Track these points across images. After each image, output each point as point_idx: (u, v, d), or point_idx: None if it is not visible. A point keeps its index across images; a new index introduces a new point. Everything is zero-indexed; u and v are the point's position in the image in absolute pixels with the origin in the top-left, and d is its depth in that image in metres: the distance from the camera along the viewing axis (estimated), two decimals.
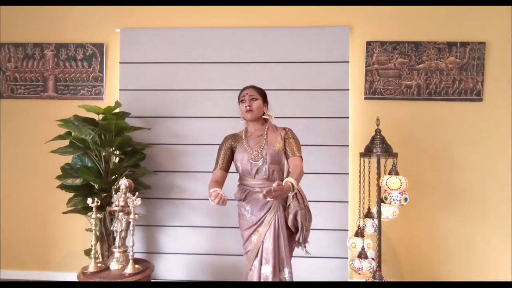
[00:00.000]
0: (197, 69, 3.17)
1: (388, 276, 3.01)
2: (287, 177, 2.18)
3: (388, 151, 2.61)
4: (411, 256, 3.12)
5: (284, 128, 2.26)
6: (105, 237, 2.85)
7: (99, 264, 2.41)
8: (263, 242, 2.13)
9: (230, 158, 2.26)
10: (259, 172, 2.17)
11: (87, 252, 2.83)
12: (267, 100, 2.28)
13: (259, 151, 2.17)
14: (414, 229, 3.11)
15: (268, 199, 1.83)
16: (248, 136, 2.25)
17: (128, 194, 2.44)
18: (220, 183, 2.18)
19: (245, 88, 2.27)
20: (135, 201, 2.34)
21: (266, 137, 2.20)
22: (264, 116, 2.25)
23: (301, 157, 2.18)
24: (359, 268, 2.59)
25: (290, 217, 2.15)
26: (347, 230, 3.06)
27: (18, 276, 3.29)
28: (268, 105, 2.29)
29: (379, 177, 2.63)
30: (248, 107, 2.18)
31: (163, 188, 3.16)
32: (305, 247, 2.20)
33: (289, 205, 2.17)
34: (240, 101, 2.24)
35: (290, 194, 2.09)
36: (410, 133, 3.11)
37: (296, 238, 2.18)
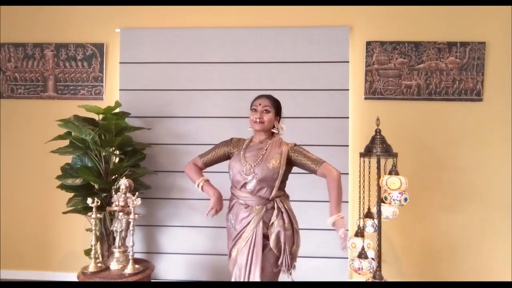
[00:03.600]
0: (197, 69, 3.17)
1: (388, 276, 3.01)
2: (277, 195, 2.07)
3: (388, 151, 2.61)
4: (411, 256, 3.12)
5: (288, 144, 2.11)
6: (105, 237, 2.85)
7: (99, 264, 2.41)
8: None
9: (219, 160, 2.20)
10: (246, 185, 2.06)
11: (87, 252, 2.83)
12: (280, 113, 2.16)
13: (252, 165, 2.04)
14: (414, 229, 3.11)
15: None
16: (249, 145, 2.14)
17: (128, 194, 2.44)
18: (199, 172, 2.20)
19: (260, 96, 2.13)
20: (135, 201, 2.34)
21: (264, 152, 2.06)
22: (273, 130, 2.13)
23: (325, 162, 2.09)
24: (359, 268, 2.59)
25: (272, 237, 2.00)
26: (347, 230, 3.06)
27: (18, 276, 3.28)
28: (280, 118, 2.16)
29: (379, 177, 2.63)
30: (258, 119, 2.06)
31: (163, 188, 3.16)
32: (290, 274, 2.03)
33: (272, 223, 2.02)
34: (252, 109, 2.10)
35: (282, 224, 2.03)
36: (410, 133, 3.11)
37: (279, 262, 2.01)
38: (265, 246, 2.02)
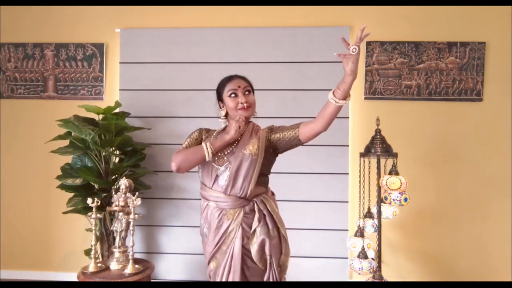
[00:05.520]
0: (197, 69, 3.17)
1: (388, 276, 3.01)
2: (256, 193, 1.76)
3: (388, 151, 2.60)
4: (411, 256, 3.12)
5: (265, 128, 1.83)
6: (105, 237, 2.85)
7: (99, 264, 2.41)
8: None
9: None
10: (218, 180, 1.74)
11: (87, 252, 2.83)
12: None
13: (226, 153, 1.75)
14: (414, 229, 3.11)
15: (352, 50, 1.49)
16: (221, 133, 1.85)
17: (128, 194, 2.44)
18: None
19: (232, 78, 1.81)
20: (135, 201, 2.34)
21: (240, 138, 1.76)
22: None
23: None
24: (359, 268, 2.59)
25: (255, 247, 1.67)
26: (347, 230, 3.06)
27: (18, 276, 3.28)
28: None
29: (379, 177, 2.63)
30: (246, 104, 1.75)
31: (163, 188, 3.16)
32: None
33: (254, 230, 1.69)
34: (230, 95, 1.78)
35: (339, 102, 1.56)
36: (410, 133, 3.11)
37: (265, 279, 1.69)
38: (247, 267, 1.70)
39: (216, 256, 1.76)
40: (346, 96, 1.57)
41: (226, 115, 1.86)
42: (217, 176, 1.75)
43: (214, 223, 1.74)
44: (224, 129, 1.90)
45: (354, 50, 1.51)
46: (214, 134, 1.88)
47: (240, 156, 1.72)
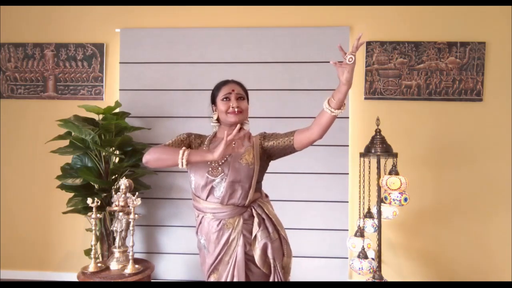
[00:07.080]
0: (197, 69, 3.17)
1: (388, 276, 3.01)
2: (253, 199, 1.73)
3: (388, 151, 2.60)
4: (411, 256, 3.12)
5: (257, 135, 1.80)
6: (105, 237, 2.85)
7: (99, 264, 2.42)
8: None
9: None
10: (214, 191, 1.70)
11: (87, 252, 2.83)
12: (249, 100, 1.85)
13: (220, 163, 1.70)
14: (414, 229, 3.11)
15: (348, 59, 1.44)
16: (213, 141, 1.78)
17: (128, 194, 2.44)
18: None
19: (227, 82, 1.79)
20: (135, 201, 2.34)
21: (234, 147, 1.64)
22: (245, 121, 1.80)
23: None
24: (359, 268, 2.59)
25: (257, 252, 1.66)
26: (347, 230, 3.06)
27: (18, 276, 3.28)
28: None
29: (379, 177, 2.63)
30: (237, 109, 1.71)
31: (163, 188, 3.16)
32: None
33: (255, 236, 1.68)
34: (222, 99, 1.74)
35: (333, 112, 1.56)
36: (410, 133, 3.11)
37: (270, 280, 1.69)
38: (251, 273, 1.68)
39: (217, 268, 1.73)
40: (341, 106, 1.57)
41: (218, 119, 1.82)
42: (212, 188, 1.71)
43: (213, 235, 1.71)
44: (215, 135, 1.83)
45: (350, 59, 1.47)
46: (206, 141, 1.80)
47: (236, 167, 1.69)
